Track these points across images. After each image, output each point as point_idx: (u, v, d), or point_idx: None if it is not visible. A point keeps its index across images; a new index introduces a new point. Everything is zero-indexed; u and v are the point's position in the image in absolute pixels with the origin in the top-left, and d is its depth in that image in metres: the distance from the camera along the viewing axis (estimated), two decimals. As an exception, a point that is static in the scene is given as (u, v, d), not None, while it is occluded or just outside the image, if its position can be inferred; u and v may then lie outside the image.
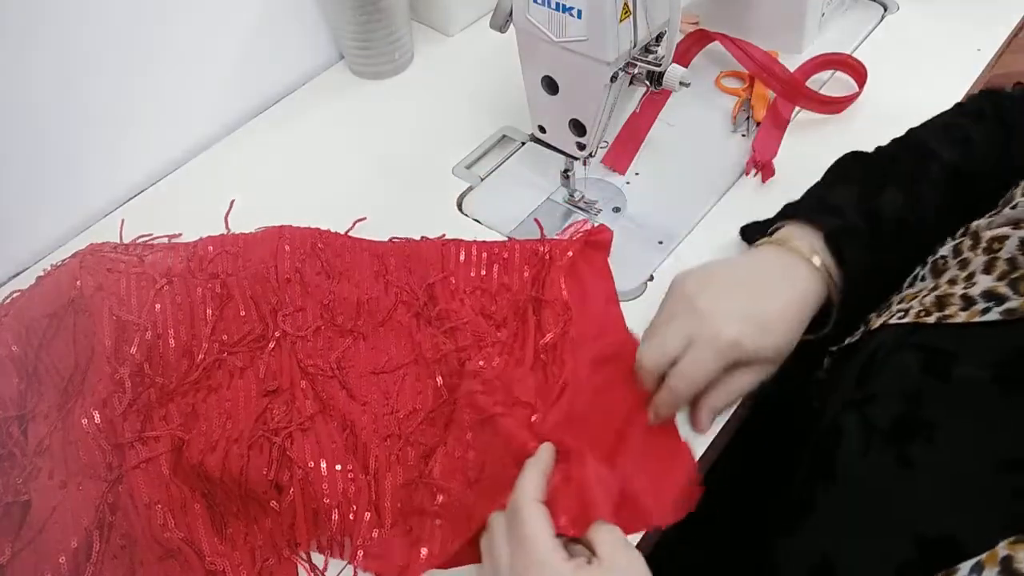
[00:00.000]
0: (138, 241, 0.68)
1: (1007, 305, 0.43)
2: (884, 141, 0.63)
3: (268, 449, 0.55)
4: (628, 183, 0.74)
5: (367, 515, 0.53)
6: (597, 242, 0.66)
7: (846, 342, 0.53)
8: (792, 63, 0.79)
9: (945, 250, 0.50)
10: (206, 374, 0.59)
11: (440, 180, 0.75)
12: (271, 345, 0.60)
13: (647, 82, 0.60)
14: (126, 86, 0.72)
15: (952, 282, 0.47)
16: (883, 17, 0.88)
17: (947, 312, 0.45)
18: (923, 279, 0.51)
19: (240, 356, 0.60)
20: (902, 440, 0.42)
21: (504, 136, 0.79)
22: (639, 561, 0.44)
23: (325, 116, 0.82)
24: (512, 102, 0.80)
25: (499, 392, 0.55)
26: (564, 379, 0.57)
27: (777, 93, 0.77)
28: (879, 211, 0.55)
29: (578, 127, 0.64)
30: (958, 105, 0.61)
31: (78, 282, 0.61)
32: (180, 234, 0.69)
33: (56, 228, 0.72)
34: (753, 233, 0.62)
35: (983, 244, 0.47)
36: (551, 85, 0.63)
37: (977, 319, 0.43)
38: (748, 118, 0.78)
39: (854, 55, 0.81)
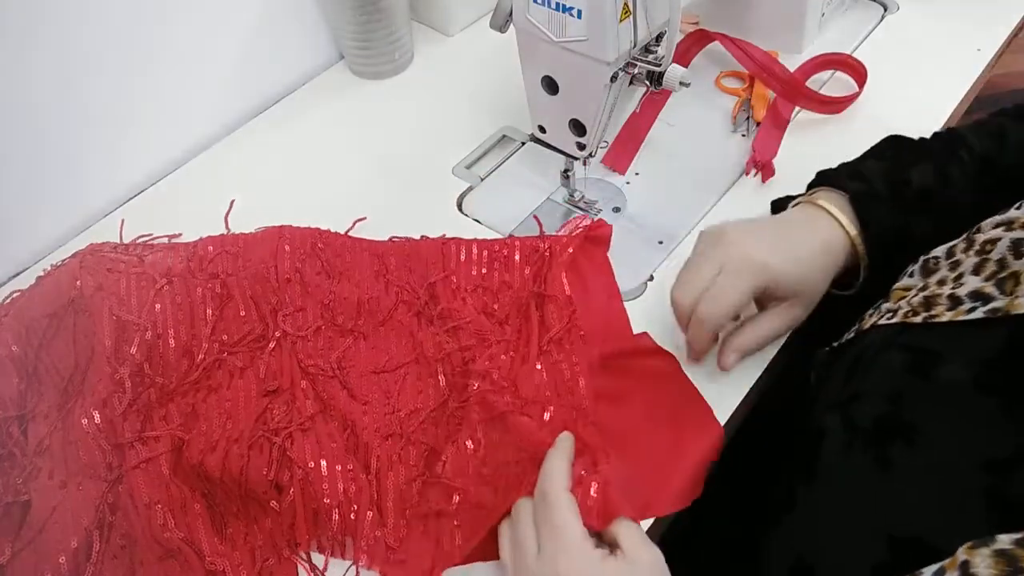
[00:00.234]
0: (138, 241, 0.68)
1: (992, 304, 0.43)
2: (884, 141, 0.63)
3: (268, 449, 0.55)
4: (628, 183, 0.74)
5: (369, 514, 0.53)
6: (597, 237, 0.66)
7: (841, 340, 0.53)
8: (792, 63, 0.79)
9: (939, 251, 0.50)
10: (206, 374, 0.59)
11: (440, 180, 0.75)
12: (271, 345, 0.60)
13: (647, 82, 0.60)
14: (126, 86, 0.72)
15: (941, 283, 0.47)
16: (883, 17, 0.88)
17: (934, 312, 0.45)
18: (911, 275, 0.51)
19: (240, 356, 0.60)
20: (883, 441, 0.42)
21: (504, 136, 0.79)
22: (660, 558, 0.46)
23: (325, 116, 0.82)
24: (512, 102, 0.80)
25: (508, 392, 0.55)
26: (574, 373, 0.57)
27: (777, 93, 0.77)
28: (905, 181, 0.56)
29: (578, 127, 0.64)
30: (1000, 108, 0.62)
31: (78, 282, 0.61)
32: (180, 234, 0.69)
33: (56, 228, 0.72)
34: (780, 208, 0.64)
35: (976, 247, 0.47)
36: (551, 85, 0.63)
37: (962, 318, 0.43)
38: (748, 118, 0.78)
39: (854, 55, 0.81)
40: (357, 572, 0.52)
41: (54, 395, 0.58)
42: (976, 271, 0.45)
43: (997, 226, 0.46)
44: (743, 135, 0.77)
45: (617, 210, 0.72)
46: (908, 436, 0.41)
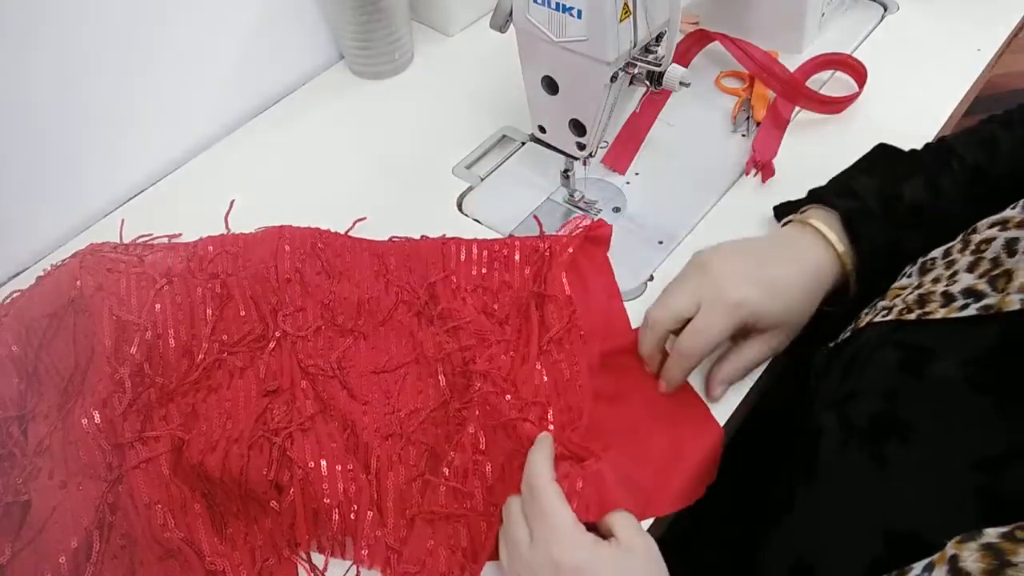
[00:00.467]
0: (138, 241, 0.68)
1: (984, 302, 0.43)
2: (884, 141, 0.63)
3: (268, 449, 0.55)
4: (628, 183, 0.74)
5: (369, 514, 0.53)
6: (597, 237, 0.66)
7: (838, 340, 0.53)
8: (792, 63, 0.79)
9: (936, 252, 0.50)
10: (206, 374, 0.59)
11: (440, 180, 0.75)
12: (271, 345, 0.60)
13: (647, 82, 0.60)
14: (126, 86, 0.72)
15: (936, 280, 0.47)
16: (883, 17, 0.88)
17: (927, 309, 0.46)
18: (909, 276, 0.51)
19: (240, 356, 0.60)
20: (878, 439, 0.42)
21: (504, 136, 0.79)
22: (654, 547, 0.46)
23: (325, 116, 0.82)
24: (512, 102, 0.80)
25: (508, 392, 0.55)
26: (574, 373, 0.57)
27: (777, 93, 0.77)
28: (897, 196, 0.56)
29: (578, 127, 0.64)
30: (990, 115, 0.62)
31: (78, 282, 0.61)
32: (180, 234, 0.69)
33: (56, 228, 0.72)
34: (783, 212, 0.64)
35: (971, 246, 0.47)
36: (551, 85, 0.63)
37: (955, 315, 0.44)
38: (748, 118, 0.78)
39: (854, 55, 0.81)
40: (358, 572, 0.52)
41: (54, 395, 0.58)
42: (970, 269, 0.45)
43: (992, 226, 0.47)
44: (743, 135, 0.77)
45: (617, 210, 0.72)
46: (903, 434, 0.42)
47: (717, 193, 0.72)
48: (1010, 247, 0.44)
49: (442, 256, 0.65)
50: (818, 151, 0.74)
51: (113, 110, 0.72)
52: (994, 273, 0.44)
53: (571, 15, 0.55)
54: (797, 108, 0.77)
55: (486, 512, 0.53)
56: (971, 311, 0.43)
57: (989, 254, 0.45)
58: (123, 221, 0.71)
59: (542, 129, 0.67)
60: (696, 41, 0.82)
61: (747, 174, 0.72)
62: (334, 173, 0.76)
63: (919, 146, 0.62)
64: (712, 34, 0.80)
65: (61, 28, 0.65)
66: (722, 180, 0.73)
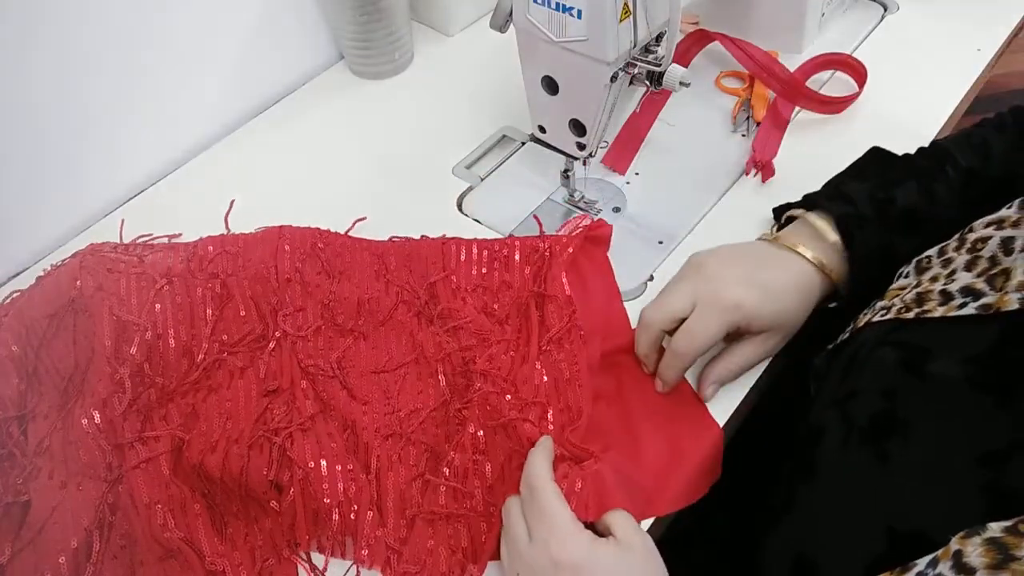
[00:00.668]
0: (138, 241, 0.68)
1: (983, 301, 0.43)
2: (884, 141, 0.63)
3: (268, 449, 0.55)
4: (628, 183, 0.74)
5: (369, 514, 0.53)
6: (597, 237, 0.66)
7: (837, 340, 0.53)
8: (792, 63, 0.79)
9: (932, 250, 0.50)
10: (206, 374, 0.59)
11: (440, 180, 0.75)
12: (271, 345, 0.60)
13: (647, 82, 0.60)
14: (126, 86, 0.72)
15: (934, 279, 0.47)
16: (883, 17, 0.88)
17: (926, 308, 0.46)
18: (906, 276, 0.51)
19: (240, 356, 0.60)
20: (879, 437, 0.42)
21: (504, 136, 0.79)
22: (652, 545, 0.47)
23: (325, 116, 0.82)
24: (512, 102, 0.80)
25: (508, 392, 0.55)
26: (574, 373, 0.57)
27: (777, 93, 0.77)
28: (890, 200, 0.57)
29: (578, 127, 0.64)
30: (983, 118, 0.62)
31: (78, 282, 0.61)
32: (180, 234, 0.69)
33: (56, 228, 0.72)
34: (782, 214, 0.65)
35: (967, 245, 0.47)
36: (551, 85, 0.63)
37: (953, 314, 0.44)
38: (748, 118, 0.78)
39: (854, 55, 0.81)
40: (358, 572, 0.52)
41: (54, 395, 0.58)
42: (968, 268, 0.46)
43: (988, 225, 0.47)
44: (743, 135, 0.77)
45: (617, 210, 0.72)
46: (904, 431, 0.42)
47: (717, 193, 0.72)
48: (1006, 246, 0.44)
49: (442, 256, 0.65)
50: (818, 151, 0.74)
51: (113, 110, 0.72)
52: (992, 272, 0.44)
53: (571, 15, 0.55)
54: (797, 108, 0.77)
55: (486, 512, 0.53)
56: (970, 310, 0.43)
57: (986, 253, 0.45)
58: (123, 221, 0.71)
59: (542, 129, 0.67)
60: (696, 41, 0.82)
61: (747, 174, 0.73)
62: (334, 173, 0.76)
63: (919, 146, 0.62)
64: (712, 34, 0.80)
65: (61, 28, 0.65)
66: (722, 180, 0.73)
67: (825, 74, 0.81)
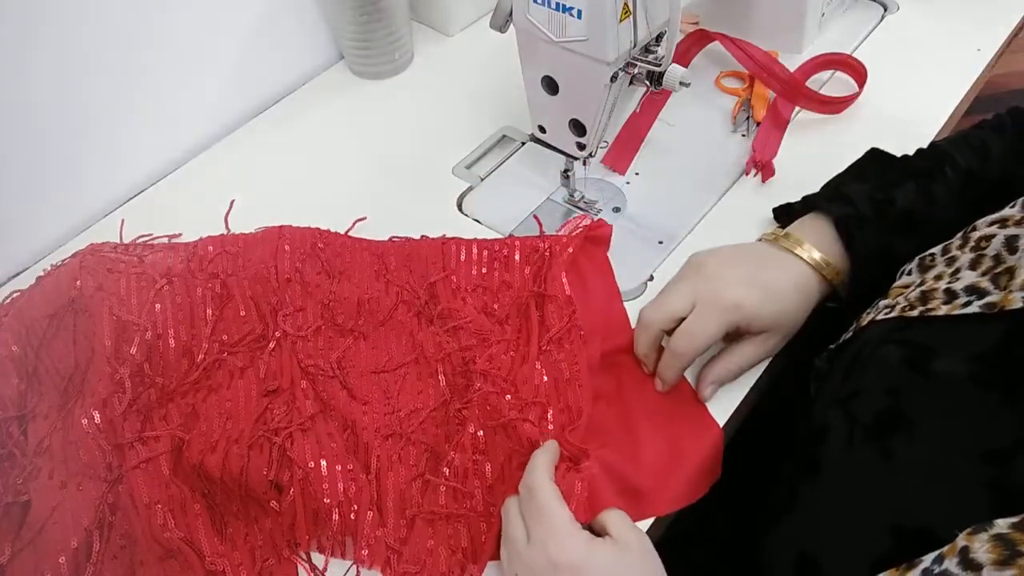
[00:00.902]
0: (138, 241, 0.68)
1: (987, 299, 0.43)
2: (884, 141, 0.63)
3: (268, 449, 0.55)
4: (628, 183, 0.74)
5: (369, 514, 0.53)
6: (597, 237, 0.66)
7: (840, 340, 0.53)
8: (792, 63, 0.79)
9: (935, 248, 0.51)
10: (206, 374, 0.59)
11: (440, 180, 0.75)
12: (271, 345, 0.60)
13: (647, 82, 0.60)
14: (126, 86, 0.72)
15: (938, 278, 0.48)
16: (883, 17, 0.88)
17: (930, 306, 0.46)
18: (909, 274, 0.51)
19: (240, 356, 0.60)
20: (884, 434, 0.43)
21: (504, 136, 0.79)
22: (648, 543, 0.47)
23: (325, 116, 0.82)
24: (512, 102, 0.80)
25: (508, 392, 0.55)
26: (574, 373, 0.57)
27: (777, 93, 0.77)
28: (889, 201, 0.57)
29: (578, 127, 0.64)
30: (982, 120, 0.62)
31: (78, 282, 0.61)
32: (180, 234, 0.69)
33: (56, 228, 0.72)
34: (782, 214, 0.65)
35: (971, 243, 0.47)
36: (551, 85, 0.63)
37: (958, 312, 0.44)
38: (748, 118, 0.78)
39: (854, 55, 0.81)
40: (358, 572, 0.52)
41: (54, 395, 0.58)
42: (972, 266, 0.46)
43: (992, 224, 0.47)
44: (743, 135, 0.77)
45: (617, 210, 0.72)
46: (908, 429, 0.42)
47: (717, 193, 0.72)
48: (1010, 244, 0.44)
49: (442, 256, 0.65)
50: (818, 151, 0.74)
51: (113, 110, 0.72)
52: (996, 271, 0.44)
53: (571, 15, 0.55)
54: (797, 108, 0.77)
55: (486, 512, 0.53)
56: (974, 308, 0.43)
57: (990, 251, 0.45)
58: (123, 221, 0.71)
59: (542, 129, 0.67)
60: (696, 41, 0.82)
61: (747, 174, 0.72)
62: (334, 173, 0.76)
63: (919, 146, 0.62)
64: (712, 34, 0.80)
65: (61, 28, 0.65)
66: (722, 180, 0.73)
67: (825, 74, 0.81)
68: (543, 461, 0.50)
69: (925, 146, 0.62)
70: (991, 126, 0.61)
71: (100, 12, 0.67)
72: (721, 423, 0.56)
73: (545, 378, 0.57)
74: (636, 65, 0.59)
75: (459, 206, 0.72)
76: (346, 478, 0.54)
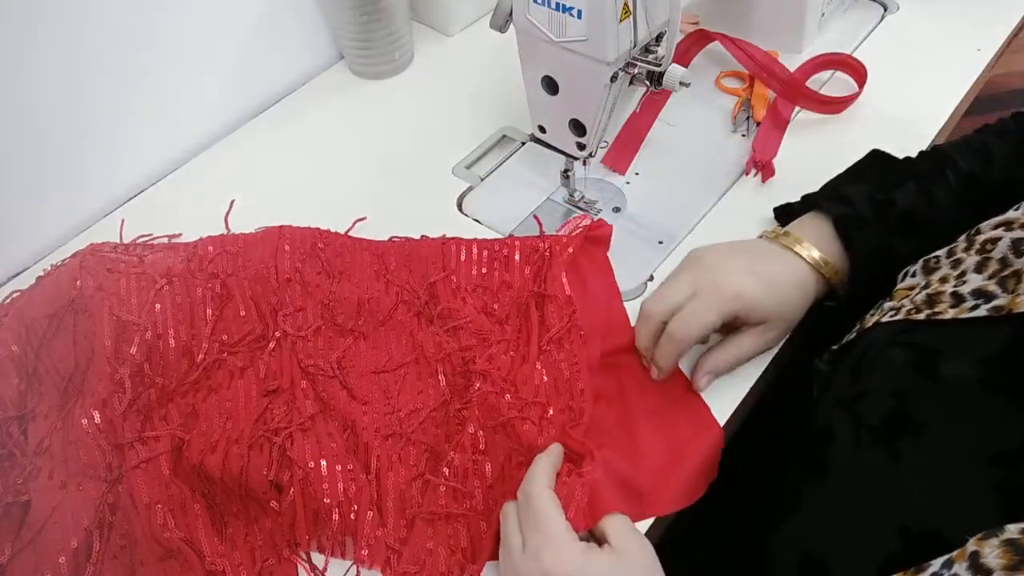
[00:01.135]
0: (138, 241, 0.68)
1: (995, 302, 0.43)
2: (884, 141, 0.63)
3: (268, 449, 0.55)
4: (628, 183, 0.74)
5: (369, 514, 0.53)
6: (597, 237, 0.66)
7: (843, 341, 0.53)
8: (792, 63, 0.79)
9: (940, 251, 0.50)
10: (206, 374, 0.59)
11: (440, 180, 0.75)
12: (271, 345, 0.60)
13: (647, 82, 0.60)
14: (126, 86, 0.72)
15: (944, 280, 0.47)
16: (883, 17, 0.88)
17: (937, 309, 0.46)
18: (913, 275, 0.51)
19: (240, 356, 0.60)
20: (891, 437, 0.42)
21: (504, 136, 0.79)
22: (649, 548, 0.47)
23: (325, 116, 0.82)
24: (512, 102, 0.80)
25: (508, 392, 0.55)
26: (574, 373, 0.57)
27: (777, 93, 0.77)
28: (889, 202, 0.57)
29: (578, 127, 0.64)
30: (984, 124, 0.62)
31: (78, 282, 0.61)
32: (180, 234, 0.69)
33: (56, 228, 0.72)
34: (782, 214, 0.65)
35: (976, 245, 0.47)
36: (551, 85, 0.63)
37: (965, 316, 0.44)
38: (748, 118, 0.78)
39: (854, 55, 0.81)
40: (358, 572, 0.52)
41: (54, 395, 0.58)
42: (978, 269, 0.46)
43: (997, 226, 0.47)
44: (743, 135, 0.77)
45: (617, 210, 0.72)
46: (916, 432, 0.42)
47: (717, 193, 0.72)
48: (1017, 247, 0.44)
49: (442, 256, 0.65)
50: (818, 151, 0.74)
51: (113, 110, 0.72)
52: (1004, 274, 0.44)
53: (571, 15, 0.55)
54: (797, 108, 0.77)
55: (486, 512, 0.53)
56: (982, 312, 0.43)
57: (996, 254, 0.45)
58: (123, 221, 0.71)
59: (542, 129, 0.67)
60: (696, 41, 0.82)
61: (747, 174, 0.73)
62: (334, 173, 0.76)
63: (919, 146, 0.62)
64: (712, 34, 0.80)
65: (61, 28, 0.65)
66: (722, 180, 0.73)
67: (825, 74, 0.81)
68: (543, 467, 0.50)
69: (925, 146, 0.62)
70: (994, 130, 0.61)
71: (100, 12, 0.67)
72: (721, 423, 0.56)
73: (545, 378, 0.57)
74: (636, 65, 0.59)
75: (459, 206, 0.72)
76: (346, 478, 0.54)
